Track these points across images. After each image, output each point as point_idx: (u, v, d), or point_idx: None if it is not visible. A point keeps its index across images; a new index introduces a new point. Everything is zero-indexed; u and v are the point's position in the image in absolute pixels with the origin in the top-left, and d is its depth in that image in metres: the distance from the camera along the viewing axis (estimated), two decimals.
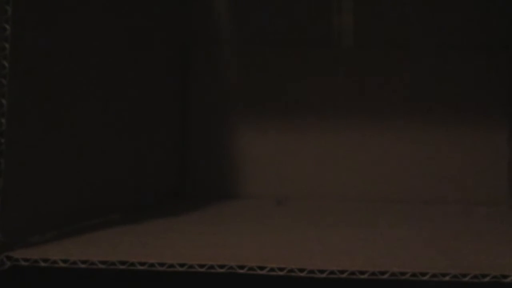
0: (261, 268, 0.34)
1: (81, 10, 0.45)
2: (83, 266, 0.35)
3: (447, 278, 0.33)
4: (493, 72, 0.69)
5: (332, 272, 0.34)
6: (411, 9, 0.70)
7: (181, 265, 0.34)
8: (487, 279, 0.33)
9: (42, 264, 0.35)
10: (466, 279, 0.33)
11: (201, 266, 0.34)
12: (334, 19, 0.70)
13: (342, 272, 0.33)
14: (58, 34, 0.42)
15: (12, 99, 0.36)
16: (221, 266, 0.34)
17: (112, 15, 0.51)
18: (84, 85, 0.46)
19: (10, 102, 0.36)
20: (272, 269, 0.34)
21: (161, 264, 0.34)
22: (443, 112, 0.69)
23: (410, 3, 0.70)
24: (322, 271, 0.34)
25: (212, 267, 0.34)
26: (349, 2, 0.70)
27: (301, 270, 0.34)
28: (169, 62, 0.67)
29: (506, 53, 0.68)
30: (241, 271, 0.34)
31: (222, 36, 0.72)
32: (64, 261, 0.35)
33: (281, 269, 0.34)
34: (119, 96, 0.52)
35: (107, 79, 0.50)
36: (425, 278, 0.33)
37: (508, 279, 0.33)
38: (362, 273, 0.33)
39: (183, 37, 0.71)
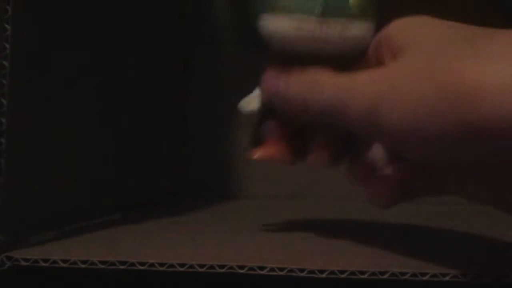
0: (261, 268, 0.34)
1: (81, 10, 0.45)
2: (83, 266, 0.35)
3: (447, 278, 0.33)
4: None
5: (332, 272, 0.34)
6: (410, 9, 0.70)
7: (181, 265, 0.34)
8: (487, 279, 0.33)
9: (42, 264, 0.35)
10: (466, 279, 0.33)
11: (201, 266, 0.34)
12: None
13: (342, 272, 0.33)
14: (58, 34, 0.42)
15: (12, 99, 0.36)
16: (221, 266, 0.34)
17: (113, 14, 0.51)
18: (84, 85, 0.46)
19: (10, 102, 0.36)
20: (272, 269, 0.34)
21: (161, 264, 0.34)
22: None
23: (410, 3, 0.70)
24: (322, 271, 0.34)
25: (212, 267, 0.34)
26: None
27: (301, 270, 0.34)
28: (169, 62, 0.67)
29: None
30: (241, 271, 0.34)
31: (222, 36, 0.72)
32: (64, 261, 0.35)
33: (281, 269, 0.34)
34: (119, 96, 0.52)
35: (107, 78, 0.50)
36: (425, 278, 0.33)
37: (508, 279, 0.33)
38: (362, 273, 0.33)
39: (183, 37, 0.71)
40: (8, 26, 0.36)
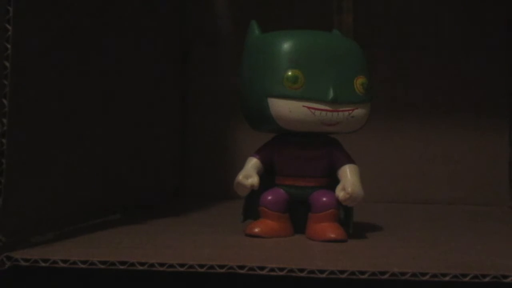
0: (261, 268, 0.34)
1: (82, 10, 0.45)
2: (83, 266, 0.35)
3: (447, 278, 0.33)
4: (493, 72, 0.69)
5: (332, 272, 0.34)
6: (410, 9, 0.70)
7: (181, 265, 0.34)
8: (487, 279, 0.33)
9: (42, 264, 0.35)
10: (466, 279, 0.33)
11: (201, 266, 0.34)
12: (334, 19, 0.70)
13: (342, 272, 0.33)
14: (59, 34, 0.42)
15: (14, 99, 0.36)
16: (221, 266, 0.34)
17: (113, 14, 0.51)
18: (85, 85, 0.46)
19: (11, 103, 0.36)
20: (272, 269, 0.34)
21: (161, 264, 0.34)
22: (443, 112, 0.69)
23: (410, 2, 0.70)
24: (322, 271, 0.34)
25: (212, 267, 0.34)
26: (349, 2, 0.70)
27: (301, 270, 0.34)
28: (169, 62, 0.67)
29: (506, 53, 0.68)
30: (241, 271, 0.34)
31: (222, 36, 0.72)
32: (64, 261, 0.35)
33: (281, 269, 0.34)
34: (120, 96, 0.52)
35: (108, 78, 0.50)
36: (425, 278, 0.33)
37: (508, 279, 0.33)
38: (362, 273, 0.33)
39: (183, 37, 0.71)
40: (9, 27, 0.36)
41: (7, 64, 0.36)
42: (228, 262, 0.34)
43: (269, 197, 0.44)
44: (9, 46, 0.36)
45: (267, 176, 0.45)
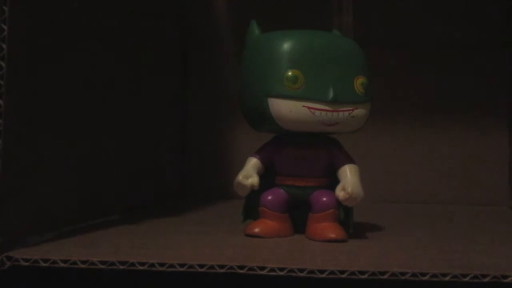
0: (261, 268, 0.34)
1: (80, 11, 0.45)
2: (83, 266, 0.35)
3: (447, 278, 0.33)
4: (493, 72, 0.69)
5: (332, 272, 0.34)
6: (410, 9, 0.70)
7: (181, 265, 0.34)
8: (487, 279, 0.33)
9: (42, 264, 0.35)
10: (466, 279, 0.33)
11: (201, 266, 0.34)
12: (334, 19, 0.70)
13: (342, 272, 0.33)
14: (56, 34, 0.42)
15: (10, 99, 0.36)
16: (221, 266, 0.34)
17: (111, 15, 0.51)
18: (84, 85, 0.46)
19: (7, 103, 0.36)
20: (272, 269, 0.34)
21: (161, 264, 0.34)
22: (443, 112, 0.69)
23: (410, 3, 0.70)
24: (322, 271, 0.34)
25: (212, 267, 0.34)
26: (349, 2, 0.70)
27: (301, 270, 0.34)
28: (169, 62, 0.67)
29: (506, 53, 0.68)
30: (241, 271, 0.34)
31: (222, 36, 0.72)
32: (64, 261, 0.35)
33: (281, 269, 0.34)
34: (120, 97, 0.52)
35: (107, 79, 0.50)
36: (425, 278, 0.33)
37: (508, 279, 0.33)
38: (362, 273, 0.33)
39: (183, 37, 0.71)
40: (5, 26, 0.36)
41: (2, 64, 0.36)
42: (228, 262, 0.34)
43: (269, 197, 0.44)
44: (4, 46, 0.36)
45: (267, 176, 0.45)
